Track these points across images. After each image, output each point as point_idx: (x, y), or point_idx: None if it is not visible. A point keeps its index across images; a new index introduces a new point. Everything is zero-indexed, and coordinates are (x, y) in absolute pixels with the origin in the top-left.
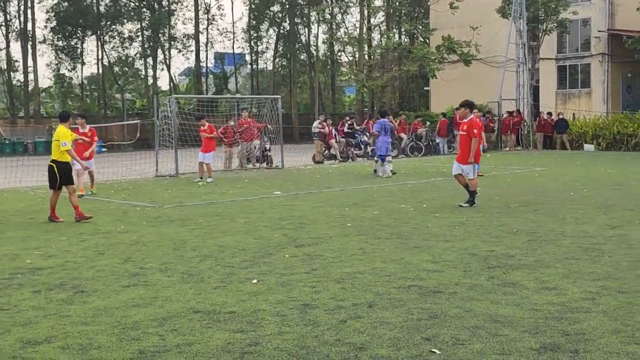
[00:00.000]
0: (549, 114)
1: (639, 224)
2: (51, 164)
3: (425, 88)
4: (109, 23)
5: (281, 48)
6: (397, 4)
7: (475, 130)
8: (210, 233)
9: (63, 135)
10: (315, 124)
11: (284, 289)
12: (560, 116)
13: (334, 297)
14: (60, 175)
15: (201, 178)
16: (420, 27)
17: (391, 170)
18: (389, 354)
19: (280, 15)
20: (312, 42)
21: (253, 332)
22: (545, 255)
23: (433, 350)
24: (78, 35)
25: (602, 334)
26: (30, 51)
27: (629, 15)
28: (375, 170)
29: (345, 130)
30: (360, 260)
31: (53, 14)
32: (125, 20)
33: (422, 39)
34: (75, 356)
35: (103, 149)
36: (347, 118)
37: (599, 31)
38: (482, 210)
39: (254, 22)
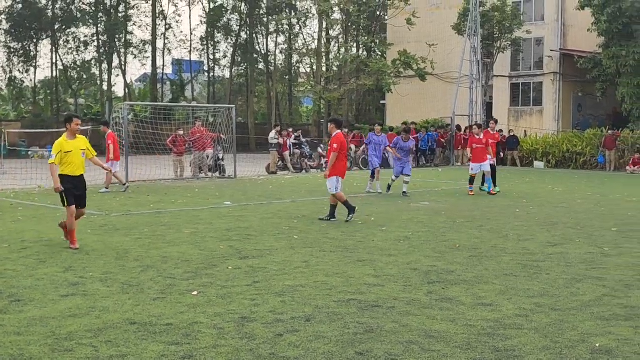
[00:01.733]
0: (500, 131)
1: (580, 242)
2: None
3: (381, 102)
4: (63, 27)
5: (238, 58)
6: (355, 17)
7: (335, 145)
8: (154, 243)
9: (55, 145)
10: (272, 134)
11: (224, 302)
12: (512, 133)
13: (273, 311)
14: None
15: (124, 184)
16: (377, 41)
17: (388, 185)
18: None
19: (238, 24)
20: (270, 52)
21: (188, 344)
22: (484, 271)
23: None
24: (32, 38)
25: (532, 351)
26: None
27: (581, 36)
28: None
29: (292, 141)
30: (303, 273)
31: (6, 16)
32: (80, 24)
33: (379, 53)
34: None
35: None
36: (291, 130)
37: (551, 50)
38: (428, 225)
39: (210, 28)
